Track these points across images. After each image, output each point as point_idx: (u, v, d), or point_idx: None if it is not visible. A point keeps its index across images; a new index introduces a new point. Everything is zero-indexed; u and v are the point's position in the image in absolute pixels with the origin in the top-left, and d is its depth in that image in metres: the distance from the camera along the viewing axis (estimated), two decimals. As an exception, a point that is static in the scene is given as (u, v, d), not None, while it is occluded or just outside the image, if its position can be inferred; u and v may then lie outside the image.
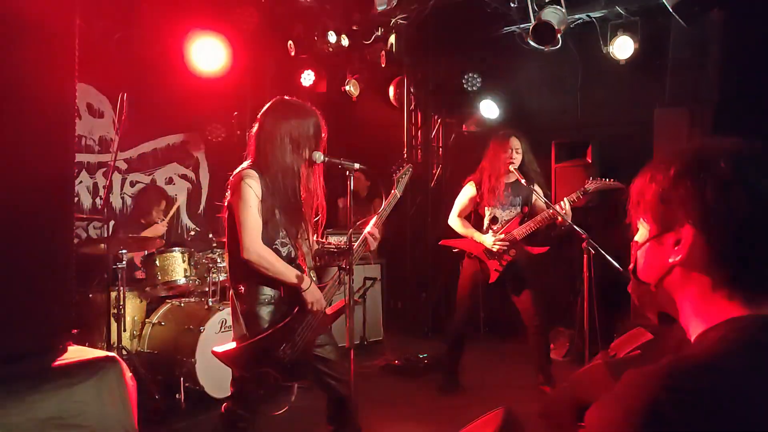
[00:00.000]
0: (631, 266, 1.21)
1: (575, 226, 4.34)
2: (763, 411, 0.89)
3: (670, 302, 1.13)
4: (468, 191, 4.94)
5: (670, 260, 1.08)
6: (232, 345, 2.90)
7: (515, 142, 4.78)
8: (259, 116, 3.04)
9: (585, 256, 4.28)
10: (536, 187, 4.71)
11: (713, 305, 1.04)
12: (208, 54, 6.11)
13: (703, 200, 1.03)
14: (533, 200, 4.87)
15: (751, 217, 0.99)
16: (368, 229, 3.14)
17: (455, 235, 4.97)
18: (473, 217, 4.98)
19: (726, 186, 1.01)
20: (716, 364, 0.94)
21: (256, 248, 2.83)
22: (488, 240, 4.75)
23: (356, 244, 3.06)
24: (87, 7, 5.17)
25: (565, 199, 4.60)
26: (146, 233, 5.47)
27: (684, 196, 1.05)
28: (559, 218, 4.54)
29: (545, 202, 4.63)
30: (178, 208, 6.71)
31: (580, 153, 6.33)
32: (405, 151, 7.66)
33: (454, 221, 4.95)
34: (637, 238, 1.18)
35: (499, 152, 4.78)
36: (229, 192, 2.95)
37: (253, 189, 2.84)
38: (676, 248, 1.07)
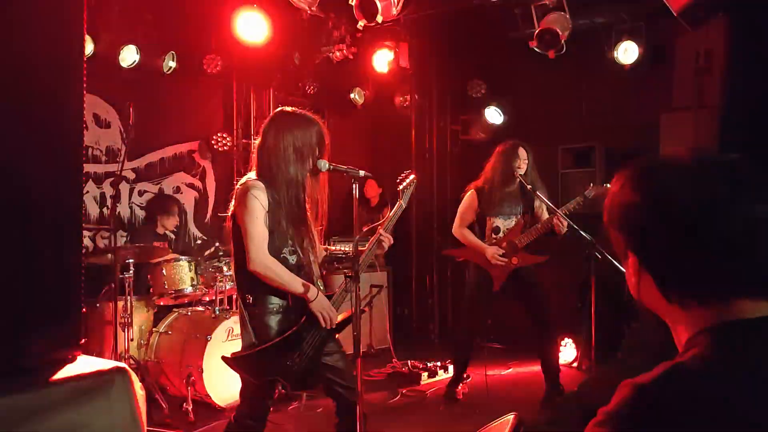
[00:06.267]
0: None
1: (581, 231, 4.34)
2: (731, 413, 0.92)
3: (654, 312, 1.17)
4: (470, 200, 4.91)
5: (632, 281, 1.13)
6: (243, 352, 2.91)
7: (523, 153, 4.76)
8: (261, 128, 3.06)
9: (591, 261, 4.28)
10: (540, 195, 4.69)
11: (677, 315, 1.08)
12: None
13: (633, 227, 1.09)
14: (535, 208, 4.86)
15: (677, 237, 1.03)
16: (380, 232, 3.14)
17: (459, 242, 4.96)
18: (475, 225, 4.95)
19: (652, 211, 1.06)
20: (705, 374, 0.97)
21: (262, 259, 2.84)
22: (488, 253, 4.73)
23: (367, 246, 3.07)
24: (93, 19, 5.22)
25: (560, 209, 4.60)
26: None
27: (621, 223, 1.12)
28: (557, 227, 4.54)
29: (549, 209, 4.63)
30: (185, 218, 6.73)
31: (586, 159, 6.33)
32: (412, 159, 7.66)
33: (458, 231, 4.92)
34: None
35: (507, 161, 4.76)
36: (233, 202, 2.96)
37: (259, 200, 2.85)
38: (632, 270, 1.12)
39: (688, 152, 1.10)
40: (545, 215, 4.81)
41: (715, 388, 0.94)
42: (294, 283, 2.89)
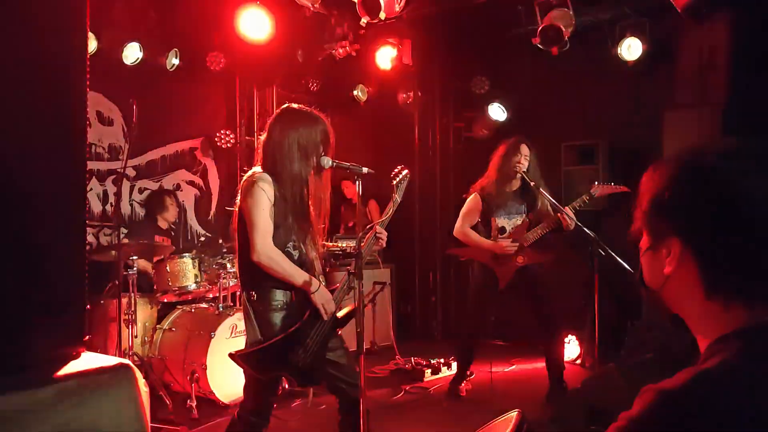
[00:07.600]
0: (639, 272, 1.20)
1: (585, 229, 4.33)
2: None
3: (676, 308, 1.12)
4: (473, 202, 4.90)
5: (664, 271, 1.07)
6: (249, 349, 2.92)
7: (525, 149, 4.75)
8: (267, 125, 3.08)
9: (595, 259, 4.27)
10: (543, 192, 4.68)
11: (712, 314, 1.03)
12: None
13: (690, 213, 1.02)
14: (539, 206, 4.84)
15: (740, 227, 0.98)
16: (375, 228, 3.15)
17: (461, 242, 4.95)
18: (480, 226, 4.94)
19: (714, 199, 1.00)
20: (733, 381, 0.93)
21: (266, 250, 2.85)
22: (498, 247, 4.71)
23: (365, 243, 3.07)
24: (96, 17, 5.22)
25: (567, 207, 4.58)
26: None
27: (672, 208, 1.05)
28: (565, 223, 4.52)
29: (554, 205, 4.61)
30: (185, 214, 6.75)
31: (589, 156, 6.32)
32: (415, 156, 7.66)
33: (460, 231, 4.91)
34: (641, 243, 1.18)
35: (508, 159, 4.75)
36: (240, 195, 2.97)
37: (266, 192, 2.87)
38: (667, 260, 1.06)
39: (725, 141, 1.06)
40: (549, 212, 4.80)
41: (742, 396, 0.91)
42: (296, 274, 2.91)
